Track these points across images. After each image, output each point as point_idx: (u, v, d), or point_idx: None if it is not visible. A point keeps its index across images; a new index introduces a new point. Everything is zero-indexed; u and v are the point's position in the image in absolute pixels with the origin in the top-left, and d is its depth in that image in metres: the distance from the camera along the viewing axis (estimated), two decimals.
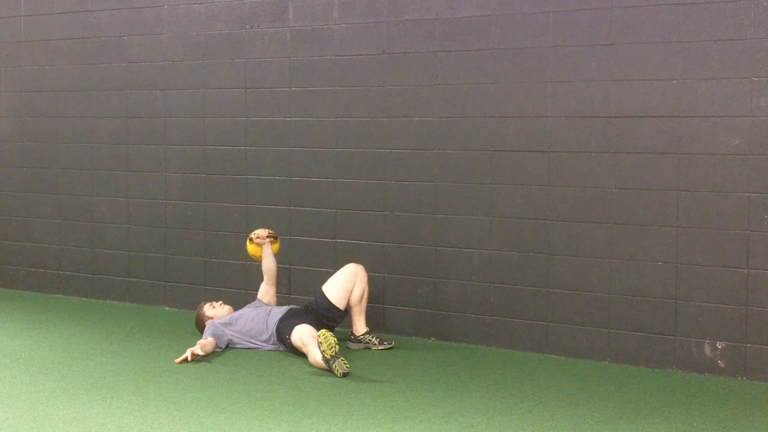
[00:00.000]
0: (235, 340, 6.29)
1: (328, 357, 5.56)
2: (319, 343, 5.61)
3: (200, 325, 6.50)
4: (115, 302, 7.85)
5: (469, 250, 6.40)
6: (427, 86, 6.47)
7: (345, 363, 5.58)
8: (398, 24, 6.55)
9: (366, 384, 5.50)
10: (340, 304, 6.24)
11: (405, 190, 6.59)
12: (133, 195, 7.72)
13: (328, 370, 5.64)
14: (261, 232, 6.60)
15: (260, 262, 6.68)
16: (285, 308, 6.35)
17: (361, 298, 6.28)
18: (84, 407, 5.08)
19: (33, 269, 8.28)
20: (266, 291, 6.62)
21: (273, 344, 6.21)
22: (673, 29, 5.71)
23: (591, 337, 6.04)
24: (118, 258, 7.82)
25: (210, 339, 6.13)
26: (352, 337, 6.36)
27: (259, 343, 6.24)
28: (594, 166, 5.97)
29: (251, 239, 6.63)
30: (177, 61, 7.46)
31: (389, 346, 6.33)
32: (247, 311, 6.43)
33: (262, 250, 6.62)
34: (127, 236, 7.77)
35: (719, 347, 5.68)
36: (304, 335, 5.92)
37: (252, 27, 7.12)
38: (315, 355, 5.73)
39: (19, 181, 8.29)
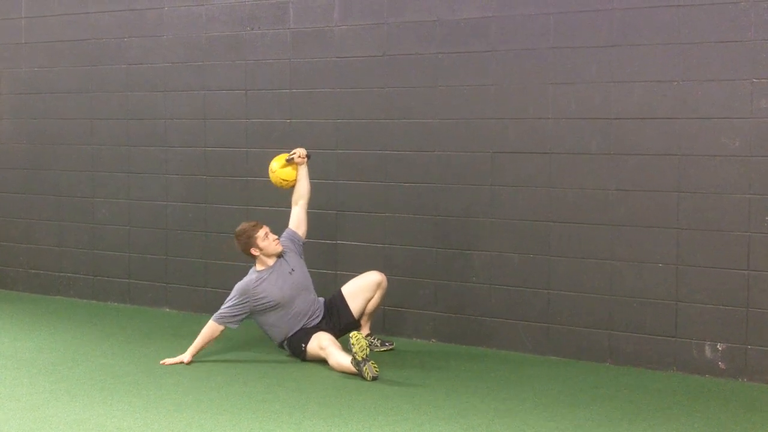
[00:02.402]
0: (255, 319, 6.09)
1: (360, 359, 5.53)
2: (352, 345, 5.57)
3: (244, 245, 6.07)
4: (115, 304, 7.85)
5: (470, 251, 6.40)
6: (428, 88, 6.47)
7: (375, 367, 5.56)
8: (399, 25, 6.55)
9: (367, 386, 5.50)
10: (358, 315, 6.20)
11: (406, 192, 6.59)
12: (133, 196, 7.72)
13: (356, 374, 5.60)
14: (301, 151, 6.26)
15: (289, 188, 6.33)
16: (321, 313, 6.15)
17: (376, 307, 6.27)
18: (85, 409, 5.08)
19: (33, 271, 8.28)
20: (302, 219, 6.27)
21: (284, 342, 6.12)
22: (673, 31, 5.71)
23: (592, 338, 6.03)
24: (119, 260, 7.82)
25: (207, 341, 6.04)
26: None
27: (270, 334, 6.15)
28: (595, 167, 5.97)
29: (290, 160, 6.23)
30: (177, 63, 7.46)
31: (390, 347, 6.32)
32: (293, 294, 6.01)
33: (297, 172, 6.29)
34: (128, 238, 7.77)
35: (720, 349, 5.68)
36: (322, 340, 5.88)
37: (252, 28, 7.12)
38: (339, 358, 5.69)
39: (19, 182, 8.29)
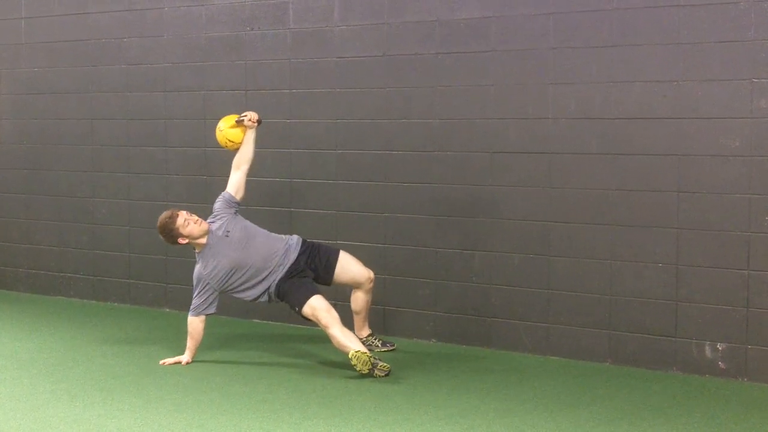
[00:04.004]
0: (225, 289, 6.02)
1: (366, 372, 5.59)
2: (354, 365, 5.59)
3: (170, 239, 5.98)
4: (115, 304, 7.85)
5: (470, 251, 6.40)
6: (428, 88, 6.47)
7: (384, 366, 5.63)
8: (398, 26, 6.55)
9: (367, 386, 5.51)
10: (334, 282, 6.14)
11: (405, 192, 6.59)
12: (133, 197, 7.72)
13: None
14: (253, 115, 6.18)
15: (233, 150, 6.24)
16: (289, 258, 6.01)
17: (366, 305, 6.26)
18: (85, 409, 5.09)
19: (34, 271, 8.28)
20: (242, 184, 6.16)
21: (262, 297, 6.04)
22: (673, 31, 5.71)
23: (592, 338, 6.03)
24: (119, 260, 7.82)
25: (196, 338, 6.01)
26: None
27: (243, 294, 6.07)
28: (594, 167, 5.97)
29: (240, 121, 6.15)
30: (177, 63, 7.46)
31: (392, 348, 6.32)
32: (239, 254, 5.94)
33: (245, 135, 6.19)
34: (128, 238, 7.77)
35: (720, 349, 5.68)
36: (320, 316, 5.78)
37: (252, 29, 7.12)
38: (342, 340, 5.68)
39: (19, 182, 8.29)
